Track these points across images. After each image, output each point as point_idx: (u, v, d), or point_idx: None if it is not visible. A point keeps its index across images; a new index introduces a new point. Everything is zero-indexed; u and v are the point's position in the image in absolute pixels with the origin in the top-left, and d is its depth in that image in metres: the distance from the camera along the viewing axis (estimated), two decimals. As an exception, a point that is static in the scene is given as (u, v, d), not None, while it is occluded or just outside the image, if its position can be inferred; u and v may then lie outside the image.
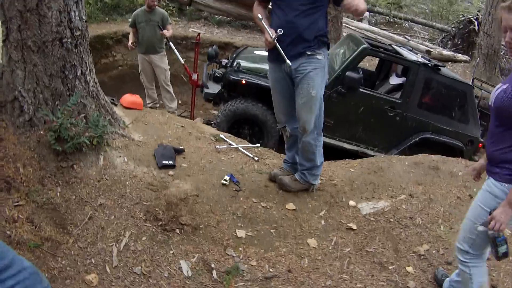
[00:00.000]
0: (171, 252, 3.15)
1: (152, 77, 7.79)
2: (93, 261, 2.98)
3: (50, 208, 3.20)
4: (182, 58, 7.55)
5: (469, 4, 18.81)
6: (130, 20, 7.59)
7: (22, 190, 3.17)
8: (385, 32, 12.31)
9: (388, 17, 15.02)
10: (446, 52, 12.11)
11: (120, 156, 3.84)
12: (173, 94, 7.92)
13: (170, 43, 7.47)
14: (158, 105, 7.89)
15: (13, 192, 3.13)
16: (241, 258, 3.22)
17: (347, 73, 6.18)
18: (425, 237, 3.66)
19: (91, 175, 3.54)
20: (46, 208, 3.18)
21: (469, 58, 12.02)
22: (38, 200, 3.18)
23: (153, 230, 3.27)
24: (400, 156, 5.31)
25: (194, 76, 7.39)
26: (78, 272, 2.88)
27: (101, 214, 3.30)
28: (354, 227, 3.68)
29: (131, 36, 7.53)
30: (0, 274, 1.68)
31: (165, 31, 7.32)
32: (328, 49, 3.73)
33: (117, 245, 3.11)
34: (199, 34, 7.43)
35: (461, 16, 14.25)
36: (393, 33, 12.81)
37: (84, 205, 3.31)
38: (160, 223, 3.31)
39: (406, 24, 15.23)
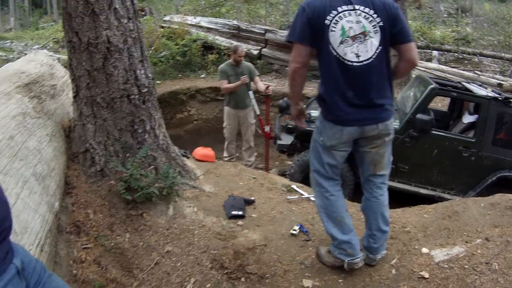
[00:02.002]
0: (235, 300, 3.19)
1: (236, 132, 7.90)
2: (156, 304, 3.08)
3: (118, 253, 3.38)
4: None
5: (535, 29, 18.09)
6: (219, 73, 7.66)
7: (91, 234, 3.37)
8: (454, 69, 12.02)
9: (456, 54, 14.70)
10: (518, 83, 11.63)
11: (190, 206, 3.97)
12: (254, 148, 8.05)
13: (251, 93, 7.54)
14: (234, 159, 7.98)
15: (82, 235, 3.34)
16: (306, 308, 3.18)
17: (418, 115, 6.11)
18: (501, 283, 3.45)
19: (160, 223, 3.69)
20: (113, 252, 3.36)
21: (542, 87, 11.44)
22: (106, 244, 3.37)
23: (219, 278, 3.33)
24: (476, 198, 5.10)
25: (267, 129, 7.49)
26: (140, 313, 2.98)
27: (167, 261, 3.42)
28: (426, 275, 3.53)
29: (228, 85, 7.46)
30: None
31: (260, 84, 7.56)
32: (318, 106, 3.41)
33: (181, 290, 3.19)
34: (268, 86, 7.55)
35: (528, 43, 13.73)
36: (463, 70, 12.51)
37: (151, 251, 3.46)
38: (226, 271, 3.36)
39: (476, 59, 14.83)
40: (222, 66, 7.66)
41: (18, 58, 9.11)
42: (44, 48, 14.46)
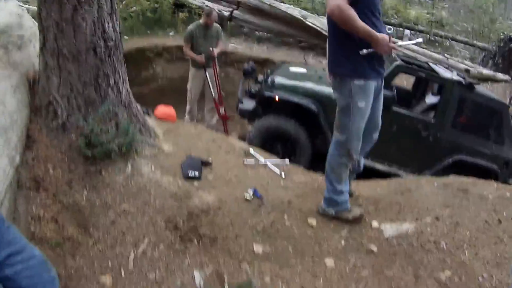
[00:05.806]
0: (187, 261, 3.20)
1: (199, 94, 7.86)
2: (110, 264, 3.07)
3: (75, 210, 3.34)
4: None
5: (511, 21, 18.39)
6: (185, 35, 7.59)
7: (50, 190, 3.33)
8: (424, 50, 12.11)
9: (428, 35, 14.82)
10: (486, 71, 11.80)
11: (147, 165, 3.94)
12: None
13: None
14: (195, 121, 7.93)
15: (41, 191, 3.30)
16: (255, 273, 3.22)
17: (381, 90, 6.11)
18: (448, 263, 3.54)
19: (117, 181, 3.66)
20: (71, 209, 3.33)
21: (510, 78, 11.67)
22: (64, 201, 3.34)
23: (172, 239, 3.33)
24: (430, 177, 5.21)
25: (222, 110, 7.54)
26: (94, 272, 2.98)
27: (123, 220, 3.39)
28: (375, 249, 3.62)
29: (190, 52, 7.49)
30: (10, 258, 1.78)
31: (214, 49, 7.46)
32: None
33: (135, 251, 3.19)
34: (213, 49, 7.49)
35: (501, 34, 13.89)
36: (433, 52, 12.60)
37: (108, 210, 3.43)
38: (179, 233, 3.37)
39: (447, 43, 15.00)
40: (190, 27, 7.55)
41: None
42: (13, -3, 13.88)
